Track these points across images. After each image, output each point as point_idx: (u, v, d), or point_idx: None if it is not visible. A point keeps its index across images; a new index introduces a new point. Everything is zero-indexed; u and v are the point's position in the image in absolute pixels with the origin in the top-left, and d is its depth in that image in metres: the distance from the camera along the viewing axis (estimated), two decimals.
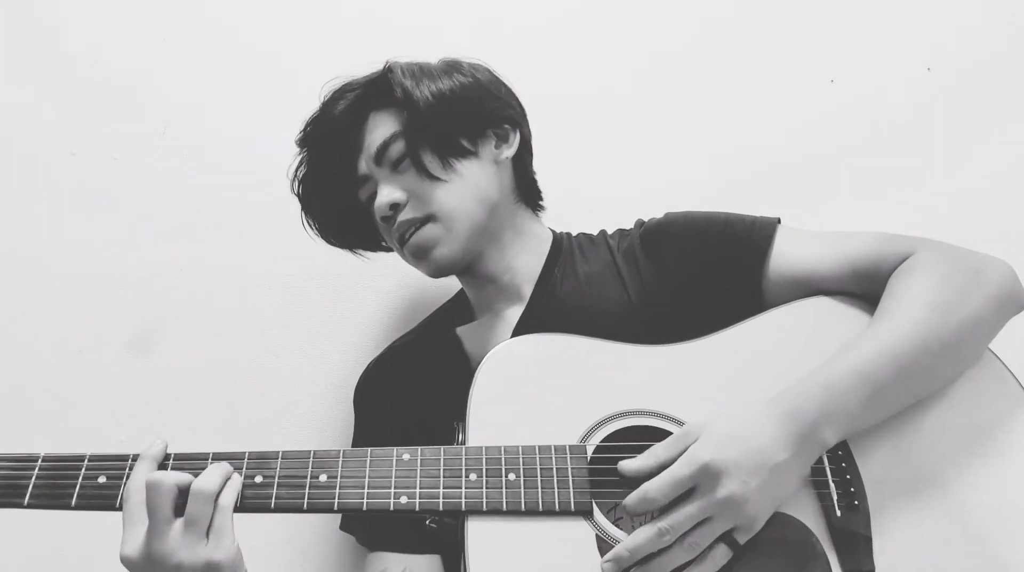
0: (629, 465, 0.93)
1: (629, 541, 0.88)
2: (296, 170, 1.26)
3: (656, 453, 0.93)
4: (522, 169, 1.27)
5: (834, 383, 0.94)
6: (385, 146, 1.17)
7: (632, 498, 0.89)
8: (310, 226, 1.30)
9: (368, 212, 1.22)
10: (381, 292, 1.52)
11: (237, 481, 0.92)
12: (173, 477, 0.89)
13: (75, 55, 1.57)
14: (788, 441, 0.91)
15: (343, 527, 1.26)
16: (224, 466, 0.92)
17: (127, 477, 0.92)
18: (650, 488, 0.89)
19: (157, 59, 1.57)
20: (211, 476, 0.90)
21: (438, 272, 1.21)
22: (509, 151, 1.23)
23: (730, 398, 0.95)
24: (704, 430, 0.92)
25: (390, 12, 1.61)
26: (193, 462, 0.94)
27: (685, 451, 0.91)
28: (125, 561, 0.89)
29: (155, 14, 1.59)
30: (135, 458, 0.94)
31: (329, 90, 1.22)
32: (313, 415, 1.45)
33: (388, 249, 1.32)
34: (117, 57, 1.57)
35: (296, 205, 1.29)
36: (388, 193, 1.16)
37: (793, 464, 0.91)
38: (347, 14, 1.60)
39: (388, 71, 1.19)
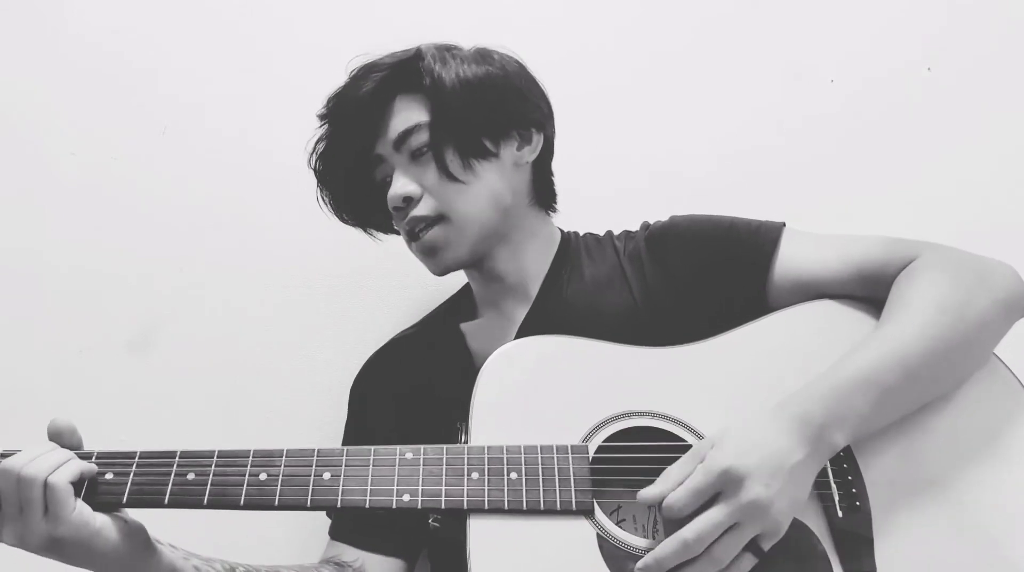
0: (647, 493, 0.90)
1: (657, 551, 0.87)
2: (315, 144, 1.25)
3: (671, 475, 0.91)
4: (541, 172, 1.27)
5: (841, 386, 0.94)
6: (406, 134, 1.15)
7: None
8: (324, 202, 1.28)
9: (382, 193, 1.20)
10: (383, 293, 1.52)
11: (84, 464, 0.92)
12: (20, 462, 0.90)
13: (75, 55, 1.56)
14: (801, 443, 0.90)
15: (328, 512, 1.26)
16: (60, 453, 0.92)
17: None
18: (673, 501, 0.87)
19: (157, 59, 1.57)
20: (40, 463, 0.90)
21: (443, 271, 1.21)
22: (531, 155, 1.22)
23: (733, 400, 0.96)
24: (719, 439, 0.91)
25: (390, 12, 1.60)
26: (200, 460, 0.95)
27: (702, 463, 0.89)
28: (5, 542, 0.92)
29: (155, 14, 1.59)
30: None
31: (355, 67, 1.20)
32: (313, 415, 1.46)
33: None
34: (117, 57, 1.57)
35: (297, 205, 1.29)
36: (403, 185, 1.15)
37: (808, 465, 0.91)
38: (347, 14, 1.60)
39: (419, 57, 1.16)
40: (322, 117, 1.23)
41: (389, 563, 1.19)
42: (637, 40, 1.62)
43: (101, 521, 0.91)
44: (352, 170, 1.23)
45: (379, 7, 1.61)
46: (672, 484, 0.89)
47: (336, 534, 1.22)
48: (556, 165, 1.31)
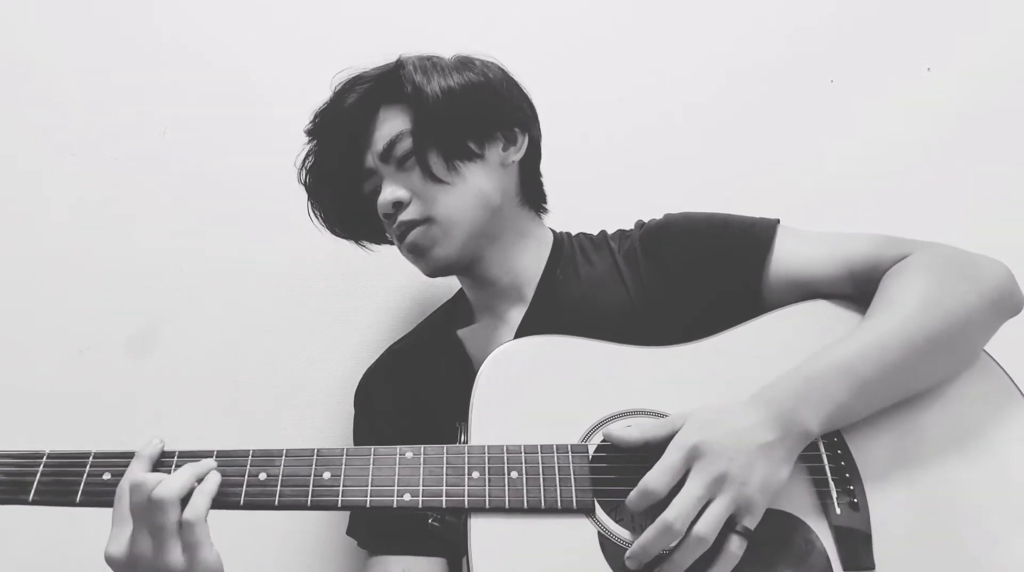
0: (616, 431, 0.95)
1: (641, 539, 0.88)
2: (304, 160, 1.26)
3: (641, 425, 0.95)
4: (528, 172, 1.27)
5: (815, 375, 0.96)
6: (392, 144, 1.16)
7: (633, 494, 0.89)
8: (316, 217, 1.29)
9: (373, 205, 1.21)
10: (382, 293, 1.52)
11: (211, 484, 0.90)
12: (156, 479, 0.87)
13: (74, 55, 1.56)
14: (769, 424, 0.92)
15: (349, 531, 1.26)
16: (195, 468, 0.90)
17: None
18: (647, 480, 0.89)
19: (158, 59, 1.57)
20: (173, 482, 0.87)
21: (435, 272, 1.21)
22: (517, 155, 1.22)
23: (728, 399, 0.96)
24: (688, 418, 0.93)
25: (390, 12, 1.61)
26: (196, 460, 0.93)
27: (671, 436, 0.92)
28: (109, 560, 0.89)
29: (155, 13, 1.59)
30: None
31: (340, 81, 1.21)
32: (313, 416, 1.45)
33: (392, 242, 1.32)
34: (117, 57, 1.56)
35: (297, 205, 1.29)
36: (391, 191, 1.16)
37: (779, 448, 0.92)
38: (347, 14, 1.60)
39: (399, 66, 1.18)
40: (309, 133, 1.24)
41: (435, 564, 1.16)
42: (636, 39, 1.63)
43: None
44: (342, 183, 1.24)
45: (379, 7, 1.61)
46: (638, 433, 0.94)
47: (375, 548, 1.20)
48: (549, 166, 1.31)
